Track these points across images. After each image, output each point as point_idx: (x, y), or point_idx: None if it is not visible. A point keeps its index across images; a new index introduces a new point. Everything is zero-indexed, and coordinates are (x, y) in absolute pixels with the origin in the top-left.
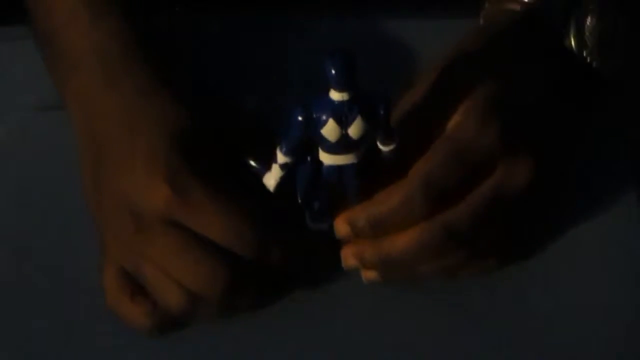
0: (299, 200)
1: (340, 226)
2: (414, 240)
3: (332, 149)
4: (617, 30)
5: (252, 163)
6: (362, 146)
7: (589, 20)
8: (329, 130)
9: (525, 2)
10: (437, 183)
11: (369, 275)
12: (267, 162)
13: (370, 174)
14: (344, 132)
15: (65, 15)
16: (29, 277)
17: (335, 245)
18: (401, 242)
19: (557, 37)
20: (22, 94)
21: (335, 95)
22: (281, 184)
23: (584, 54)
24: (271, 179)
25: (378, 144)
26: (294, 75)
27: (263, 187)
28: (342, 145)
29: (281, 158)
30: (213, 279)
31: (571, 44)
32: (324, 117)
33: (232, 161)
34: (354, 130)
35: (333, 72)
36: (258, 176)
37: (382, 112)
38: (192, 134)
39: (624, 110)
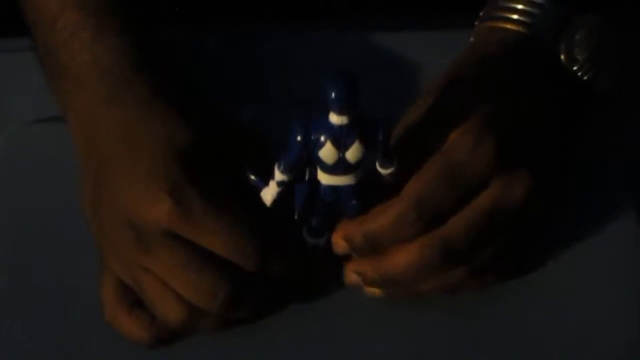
0: (296, 217)
1: (338, 242)
2: (414, 259)
3: (330, 170)
4: (607, 44)
5: (252, 177)
6: (360, 169)
7: (578, 34)
8: (326, 152)
9: (515, 20)
10: (430, 201)
11: (372, 291)
12: (266, 177)
13: (369, 194)
14: (341, 155)
15: (67, 30)
16: (27, 288)
17: (333, 259)
18: (401, 260)
19: (548, 54)
20: (21, 105)
21: (334, 119)
22: (278, 200)
23: (575, 68)
24: (268, 195)
25: (377, 166)
26: (291, 86)
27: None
28: (339, 167)
29: (278, 175)
30: (214, 292)
31: (561, 59)
32: (322, 139)
33: (232, 174)
34: (351, 154)
35: (333, 95)
36: (257, 190)
37: (380, 138)
38: (193, 148)
39: (622, 122)
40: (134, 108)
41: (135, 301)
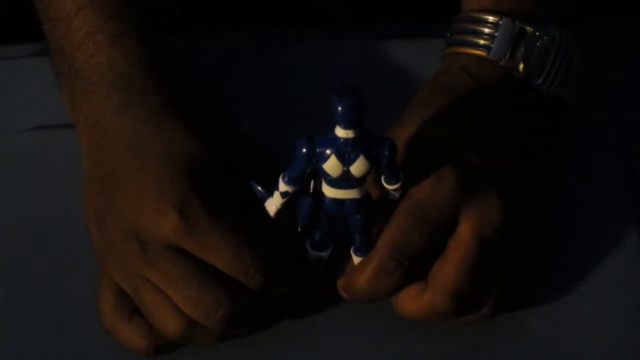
0: (298, 229)
1: (340, 291)
2: (424, 308)
3: (334, 183)
4: (567, 54)
5: (258, 187)
6: (364, 184)
7: (536, 49)
8: (331, 165)
9: (477, 44)
10: (403, 245)
11: None
12: (271, 188)
13: (373, 208)
14: (345, 169)
15: (83, 31)
16: (25, 294)
17: (335, 273)
18: (412, 308)
19: (510, 73)
20: (21, 112)
21: (340, 133)
22: (282, 210)
23: (539, 82)
24: (272, 205)
25: (382, 182)
26: (291, 94)
27: (268, 214)
28: (344, 181)
29: (282, 186)
30: (214, 309)
31: (523, 76)
32: (327, 152)
33: (238, 187)
34: (355, 169)
35: (340, 110)
36: (261, 200)
37: (386, 153)
38: (202, 162)
39: (622, 122)
40: (145, 118)
41: (134, 309)
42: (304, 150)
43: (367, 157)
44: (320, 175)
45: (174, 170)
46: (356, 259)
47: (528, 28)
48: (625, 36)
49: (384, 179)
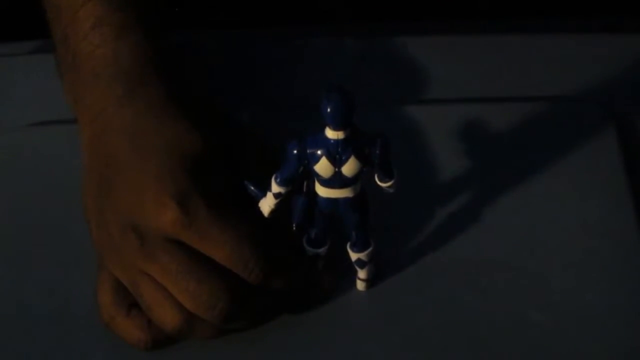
0: (293, 229)
1: None
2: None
3: (327, 183)
4: None
5: (251, 187)
6: (357, 182)
7: None
8: (322, 167)
9: None
10: None
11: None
12: (265, 187)
13: (368, 204)
14: (337, 170)
15: (89, 22)
16: (24, 292)
17: (333, 269)
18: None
19: None
20: (17, 109)
21: (330, 134)
22: (275, 210)
23: None
24: (265, 205)
25: (375, 179)
26: (289, 91)
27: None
28: (336, 181)
29: (275, 188)
30: (213, 302)
31: None
32: (317, 153)
33: (238, 181)
34: (347, 169)
35: (329, 110)
36: (255, 200)
37: (377, 152)
38: (202, 156)
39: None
40: (147, 111)
41: (132, 302)
42: (295, 151)
43: (359, 157)
44: (312, 175)
45: (175, 163)
46: (353, 255)
47: None
48: (625, 35)
49: (377, 176)
